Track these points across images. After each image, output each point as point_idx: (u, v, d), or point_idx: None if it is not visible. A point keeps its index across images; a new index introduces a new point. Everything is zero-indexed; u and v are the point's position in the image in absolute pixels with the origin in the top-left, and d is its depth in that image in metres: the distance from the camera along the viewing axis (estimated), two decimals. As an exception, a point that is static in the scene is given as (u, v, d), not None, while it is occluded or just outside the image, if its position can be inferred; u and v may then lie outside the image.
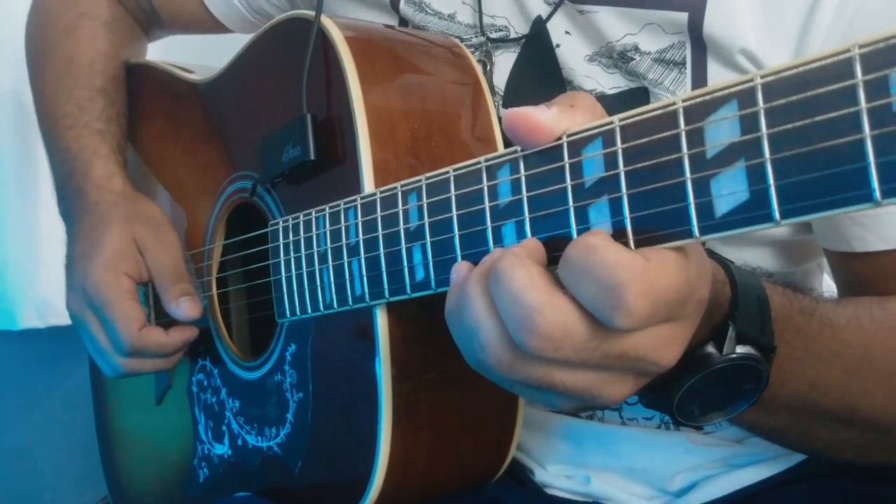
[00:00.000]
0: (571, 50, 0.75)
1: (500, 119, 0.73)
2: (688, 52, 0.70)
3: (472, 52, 0.78)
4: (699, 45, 0.69)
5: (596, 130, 0.46)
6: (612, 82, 0.74)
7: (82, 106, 0.95)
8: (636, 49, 0.72)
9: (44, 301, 1.49)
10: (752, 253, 0.74)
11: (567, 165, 0.47)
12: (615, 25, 0.72)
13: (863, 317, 0.64)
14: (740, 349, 0.53)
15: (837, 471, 0.74)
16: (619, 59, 0.73)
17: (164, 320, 0.86)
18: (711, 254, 0.55)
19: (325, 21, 0.71)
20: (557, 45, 0.75)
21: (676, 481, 0.79)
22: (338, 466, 0.72)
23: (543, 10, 0.76)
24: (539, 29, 0.76)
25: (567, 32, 0.75)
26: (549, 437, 0.82)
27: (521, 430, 0.72)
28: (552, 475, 0.82)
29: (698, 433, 0.79)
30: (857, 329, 0.63)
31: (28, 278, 1.49)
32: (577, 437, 0.81)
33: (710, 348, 0.52)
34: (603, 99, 0.73)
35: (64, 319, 1.48)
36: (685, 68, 0.70)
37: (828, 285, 0.86)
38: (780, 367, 0.56)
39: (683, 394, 0.52)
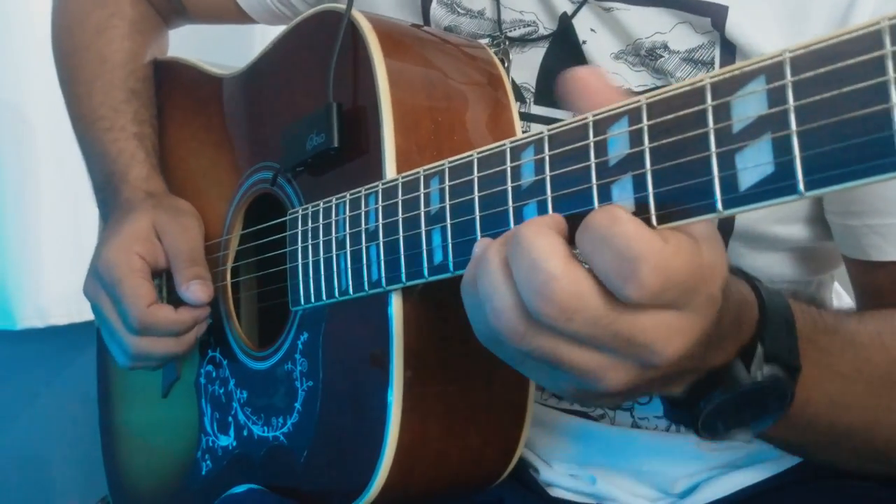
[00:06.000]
0: (597, 47, 0.76)
1: (520, 118, 0.74)
2: (717, 53, 0.71)
3: (490, 46, 0.79)
4: (728, 45, 0.70)
5: (622, 109, 0.46)
6: (639, 80, 0.74)
7: (118, 109, 0.97)
8: (665, 47, 0.73)
9: (43, 301, 1.50)
10: (771, 258, 0.75)
11: (592, 144, 0.47)
12: (645, 23, 0.73)
13: (885, 333, 0.64)
14: (767, 369, 0.53)
15: (838, 471, 0.74)
16: (646, 56, 0.74)
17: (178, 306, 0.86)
18: (741, 273, 0.56)
19: (356, 14, 0.72)
20: (584, 42, 0.76)
21: (680, 483, 0.79)
22: (344, 455, 0.72)
23: (568, 7, 0.77)
24: (565, 25, 0.77)
25: (592, 30, 0.76)
26: (558, 436, 0.82)
27: (529, 428, 0.72)
28: (557, 474, 0.82)
29: None
30: (880, 346, 0.64)
31: (28, 278, 1.51)
32: (587, 438, 0.81)
33: (739, 367, 0.53)
34: None
35: (63, 319, 1.51)
36: (713, 68, 0.71)
37: (837, 294, 0.87)
38: (804, 383, 0.56)
39: (709, 412, 0.53)
